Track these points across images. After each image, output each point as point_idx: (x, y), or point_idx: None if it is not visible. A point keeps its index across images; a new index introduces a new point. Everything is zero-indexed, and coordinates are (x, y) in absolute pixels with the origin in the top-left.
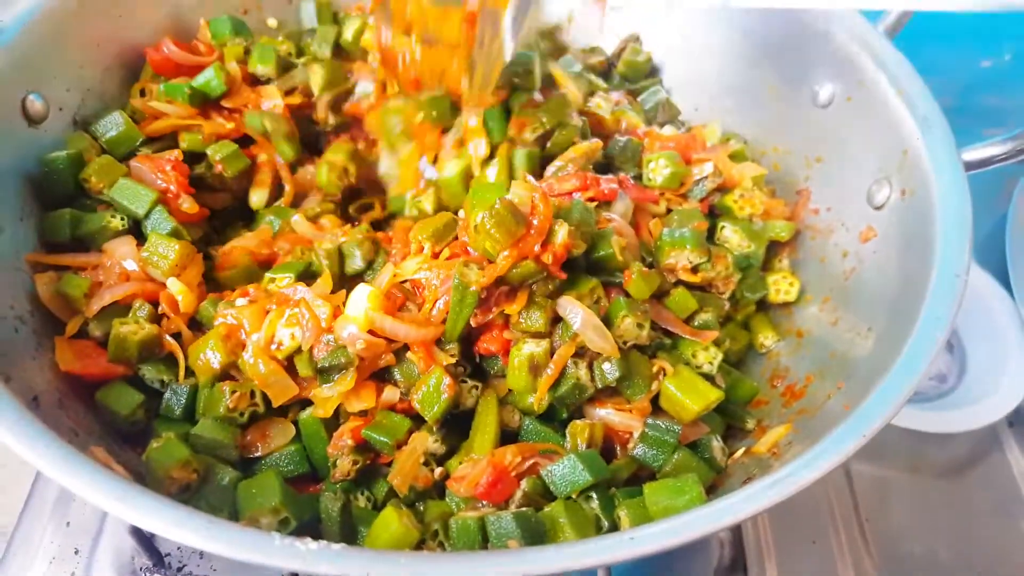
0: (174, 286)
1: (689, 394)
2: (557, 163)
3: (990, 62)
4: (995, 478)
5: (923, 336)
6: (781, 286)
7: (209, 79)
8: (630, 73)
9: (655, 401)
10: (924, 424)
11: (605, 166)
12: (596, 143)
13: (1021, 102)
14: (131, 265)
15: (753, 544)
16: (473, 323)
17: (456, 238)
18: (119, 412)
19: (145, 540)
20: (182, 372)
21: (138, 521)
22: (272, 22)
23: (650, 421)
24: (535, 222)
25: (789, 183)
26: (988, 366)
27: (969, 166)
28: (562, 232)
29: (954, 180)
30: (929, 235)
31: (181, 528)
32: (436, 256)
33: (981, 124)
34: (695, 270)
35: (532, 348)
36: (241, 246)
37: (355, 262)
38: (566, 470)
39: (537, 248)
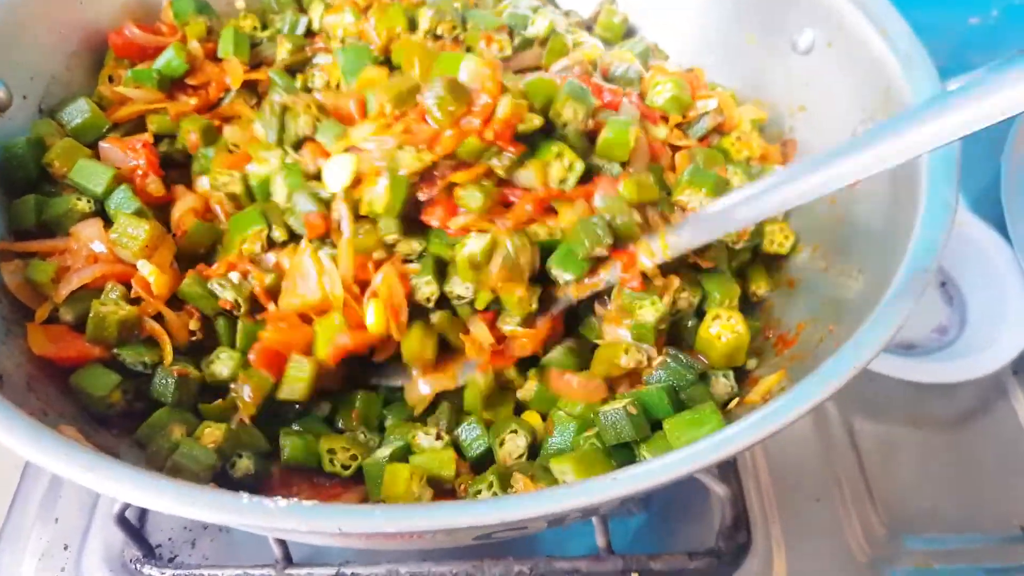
0: (145, 268)
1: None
2: (563, 61)
3: (978, 19)
4: (1001, 428)
5: (912, 267)
6: (776, 237)
7: (169, 59)
8: (607, 35)
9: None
10: (926, 376)
11: None
12: (599, 48)
13: None
14: (99, 247)
15: (756, 504)
16: (421, 197)
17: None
18: (95, 394)
19: (134, 531)
20: (168, 355)
21: (103, 487)
22: (240, 3)
23: (671, 351)
24: (482, 99)
25: (775, 134)
26: (989, 316)
27: None
28: (503, 106)
29: None
30: (915, 174)
31: (147, 492)
32: (396, 120)
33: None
34: None
35: (473, 247)
36: (184, 209)
37: (301, 127)
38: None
39: (479, 124)
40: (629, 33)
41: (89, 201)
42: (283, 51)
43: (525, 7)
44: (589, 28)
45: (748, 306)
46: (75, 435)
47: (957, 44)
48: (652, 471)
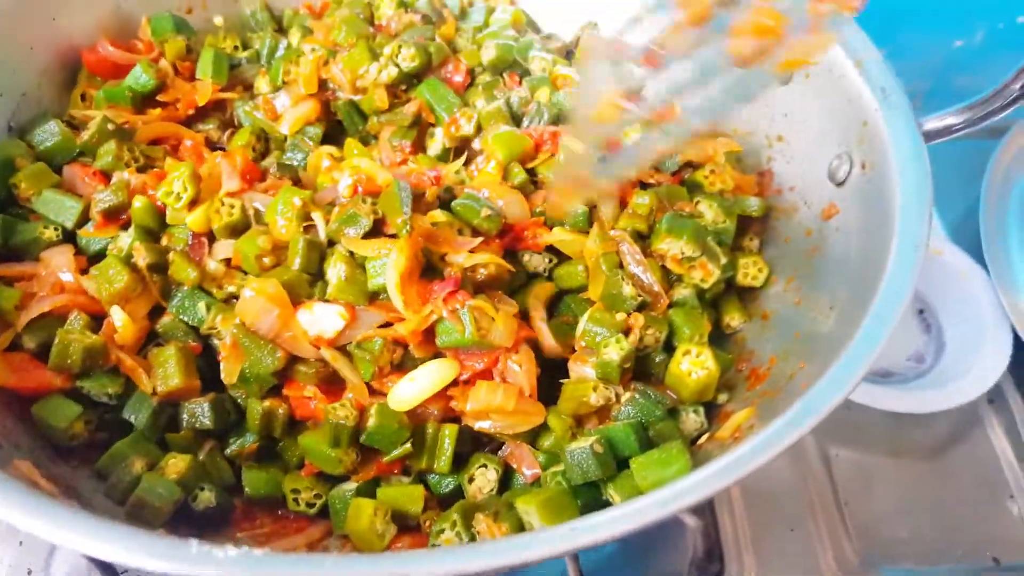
0: (116, 315)
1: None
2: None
3: (962, 42)
4: (977, 457)
5: (882, 309)
6: (750, 271)
7: (137, 76)
8: None
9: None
10: (903, 405)
11: None
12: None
13: (995, 81)
14: (67, 276)
15: (730, 534)
16: None
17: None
18: (57, 425)
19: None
20: (147, 386)
21: (49, 534)
22: (218, 20)
23: (639, 386)
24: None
25: (752, 164)
26: (966, 344)
27: (929, 136)
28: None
29: (913, 150)
30: (889, 207)
31: (92, 539)
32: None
33: (955, 104)
34: (682, 261)
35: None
36: None
37: None
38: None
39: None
40: None
41: (57, 229)
42: (263, 83)
43: (506, 37)
44: (570, 53)
45: (720, 337)
46: (29, 470)
47: (941, 66)
48: (614, 519)
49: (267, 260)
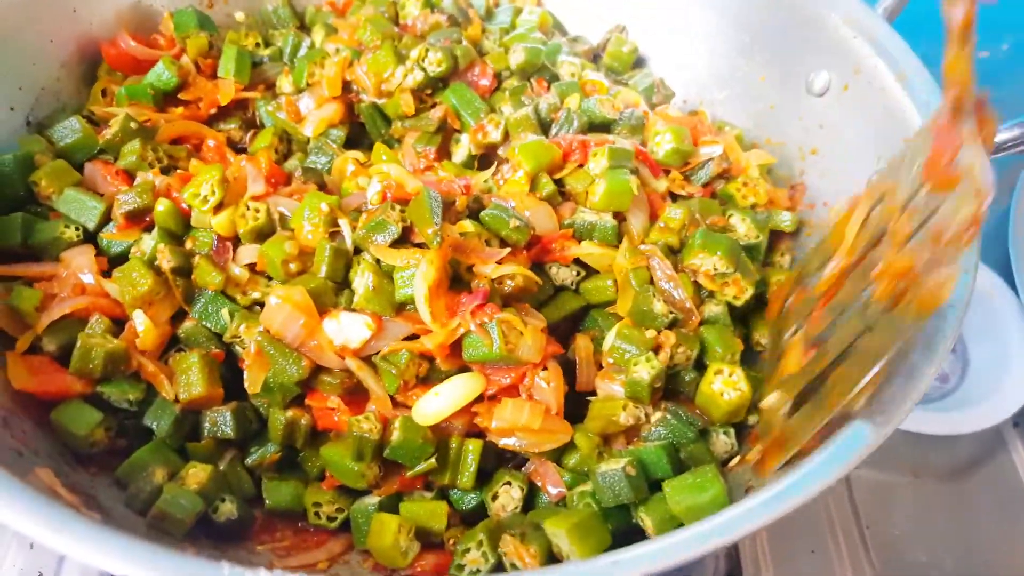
0: (139, 319)
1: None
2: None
3: (988, 53)
4: (1000, 480)
5: (927, 343)
6: None
7: (160, 73)
8: (616, 64)
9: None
10: (926, 426)
11: None
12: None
13: (1020, 93)
14: (88, 278)
15: (749, 555)
16: None
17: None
18: (76, 432)
19: None
20: (169, 392)
21: (75, 552)
22: (240, 16)
23: (670, 406)
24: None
25: (784, 176)
26: (992, 365)
27: None
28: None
29: None
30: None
31: (122, 559)
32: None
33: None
34: (715, 277)
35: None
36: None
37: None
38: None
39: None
40: (638, 63)
41: (78, 229)
42: (286, 83)
43: (534, 40)
44: (597, 56)
45: (750, 354)
46: (50, 480)
47: None
48: (656, 553)
49: (293, 266)
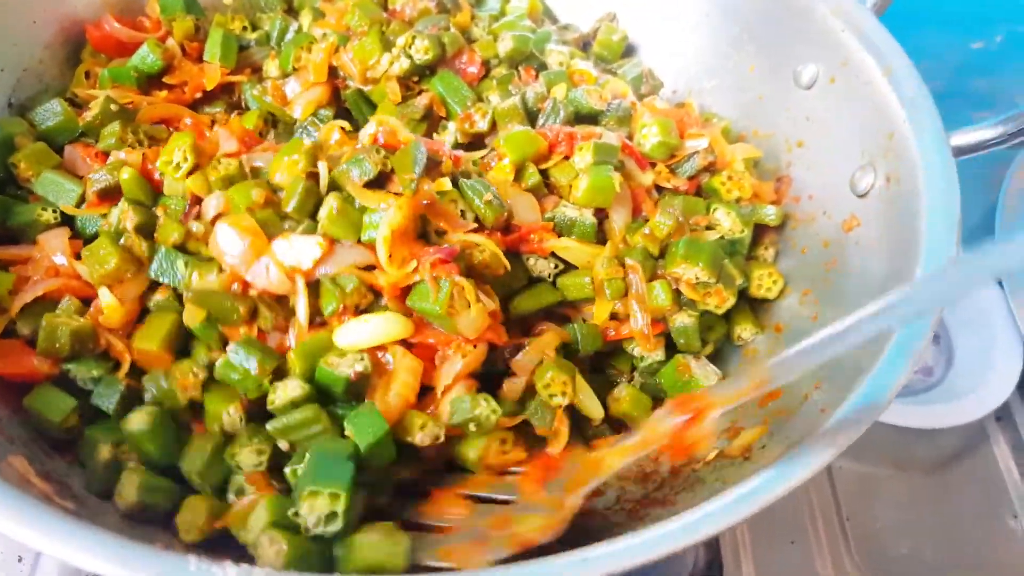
0: (104, 296)
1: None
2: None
3: (981, 44)
4: (982, 474)
5: (906, 336)
6: (764, 282)
7: (144, 56)
8: (605, 53)
9: None
10: (910, 419)
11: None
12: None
13: (1012, 85)
14: (61, 260)
15: (729, 545)
16: None
17: None
18: (51, 419)
19: None
20: (125, 368)
21: (42, 546)
22: (229, 0)
23: None
24: None
25: (770, 169)
26: (975, 358)
27: (958, 151)
28: None
29: (942, 166)
30: (914, 225)
31: (86, 553)
32: None
33: (971, 107)
34: (697, 286)
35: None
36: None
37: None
38: None
39: None
40: (628, 51)
41: (55, 212)
42: (272, 67)
43: (523, 27)
44: (587, 44)
45: (731, 349)
46: (23, 468)
47: (958, 68)
48: (625, 550)
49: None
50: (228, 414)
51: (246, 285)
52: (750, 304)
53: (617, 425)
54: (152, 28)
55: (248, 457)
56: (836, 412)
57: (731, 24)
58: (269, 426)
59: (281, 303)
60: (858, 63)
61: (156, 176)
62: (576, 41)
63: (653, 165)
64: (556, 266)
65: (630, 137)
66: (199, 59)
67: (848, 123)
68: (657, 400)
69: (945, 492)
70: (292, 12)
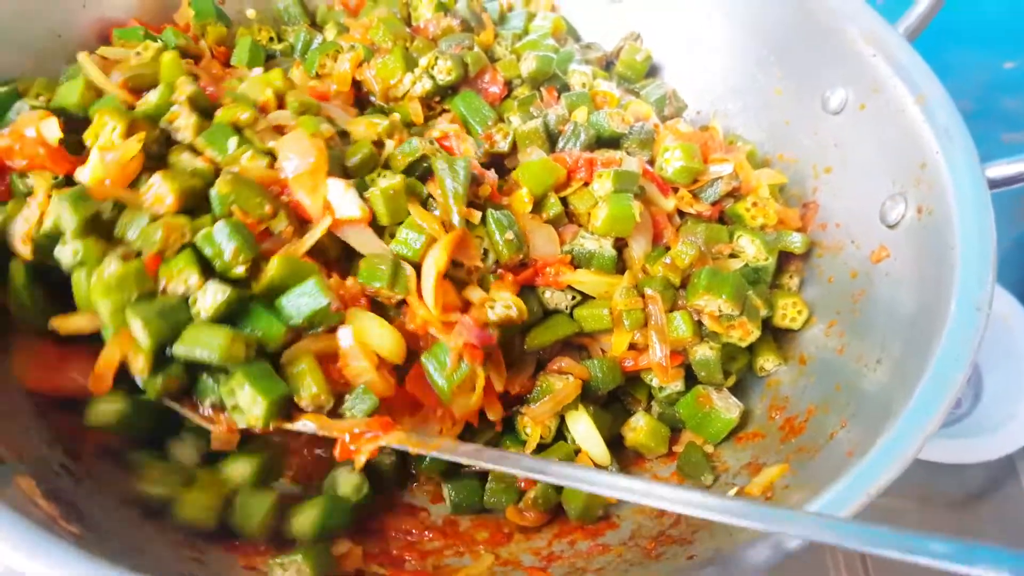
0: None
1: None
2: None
3: (1013, 64)
4: (1009, 511)
5: (938, 378)
6: (789, 312)
7: (168, 39)
8: (629, 73)
9: None
10: (936, 454)
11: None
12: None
13: None
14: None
15: None
16: None
17: None
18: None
19: None
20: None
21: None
22: (251, 12)
23: None
24: None
25: (795, 194)
26: (1005, 391)
27: (993, 184)
28: None
29: (976, 200)
30: (948, 260)
31: None
32: None
33: (1001, 128)
34: (720, 319)
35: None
36: None
37: None
38: None
39: None
40: (651, 72)
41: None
42: (296, 74)
43: (546, 47)
44: (610, 64)
45: (753, 380)
46: (30, 489)
47: (989, 87)
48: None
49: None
50: (186, 282)
51: (282, 189)
52: (773, 334)
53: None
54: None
55: None
56: (864, 457)
57: (758, 46)
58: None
59: (301, 226)
60: (890, 89)
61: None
62: (599, 60)
63: (675, 190)
64: (573, 297)
65: (652, 160)
66: (226, 64)
67: (878, 151)
68: (675, 430)
69: (971, 528)
70: (316, 26)
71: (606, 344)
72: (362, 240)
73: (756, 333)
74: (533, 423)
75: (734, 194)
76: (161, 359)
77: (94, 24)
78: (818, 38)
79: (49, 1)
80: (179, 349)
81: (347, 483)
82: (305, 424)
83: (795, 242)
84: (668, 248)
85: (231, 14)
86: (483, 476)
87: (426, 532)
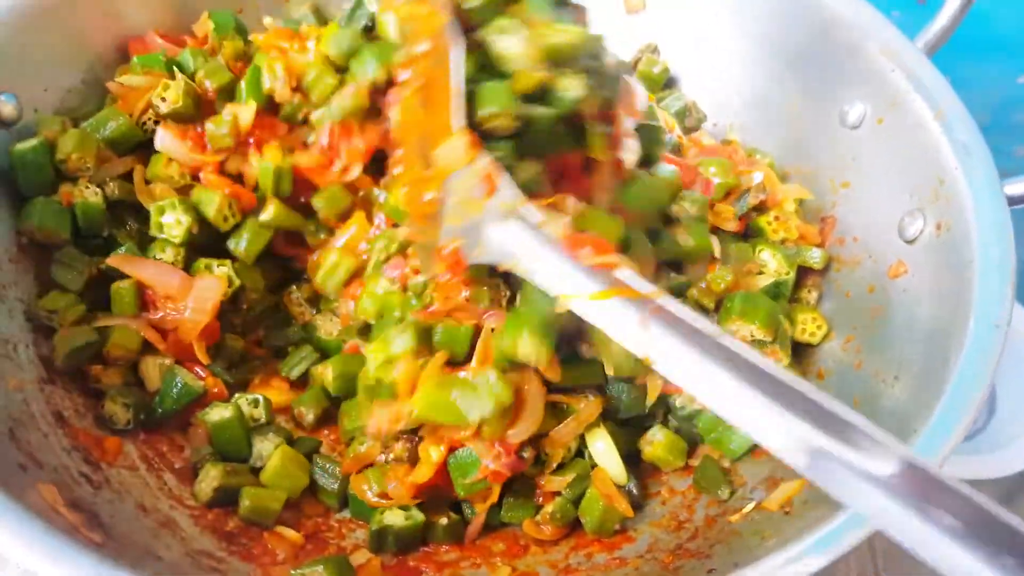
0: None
1: None
2: None
3: None
4: None
5: (956, 397)
6: (808, 327)
7: (184, 59)
8: (646, 84)
9: None
10: (951, 470)
11: None
12: None
13: None
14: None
15: None
16: None
17: None
18: None
19: None
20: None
21: None
22: (268, 21)
23: None
24: None
25: (813, 209)
26: (1020, 407)
27: (1012, 201)
28: None
29: (995, 216)
30: (966, 277)
31: None
32: None
33: (1015, 142)
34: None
35: None
36: None
37: None
38: None
39: None
40: (668, 83)
41: None
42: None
43: None
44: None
45: None
46: (52, 497)
47: (1002, 103)
48: None
49: None
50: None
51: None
52: (792, 348)
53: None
54: (196, 45)
55: None
56: None
57: (775, 59)
58: None
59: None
60: (908, 105)
61: None
62: None
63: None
64: None
65: None
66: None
67: (897, 166)
68: (692, 444)
69: None
70: None
71: None
72: None
73: (786, 361)
74: (553, 446)
75: (759, 207)
76: None
77: (114, 31)
78: (835, 52)
79: (71, 11)
80: None
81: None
82: None
83: (814, 257)
84: None
85: (249, 23)
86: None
87: (443, 544)
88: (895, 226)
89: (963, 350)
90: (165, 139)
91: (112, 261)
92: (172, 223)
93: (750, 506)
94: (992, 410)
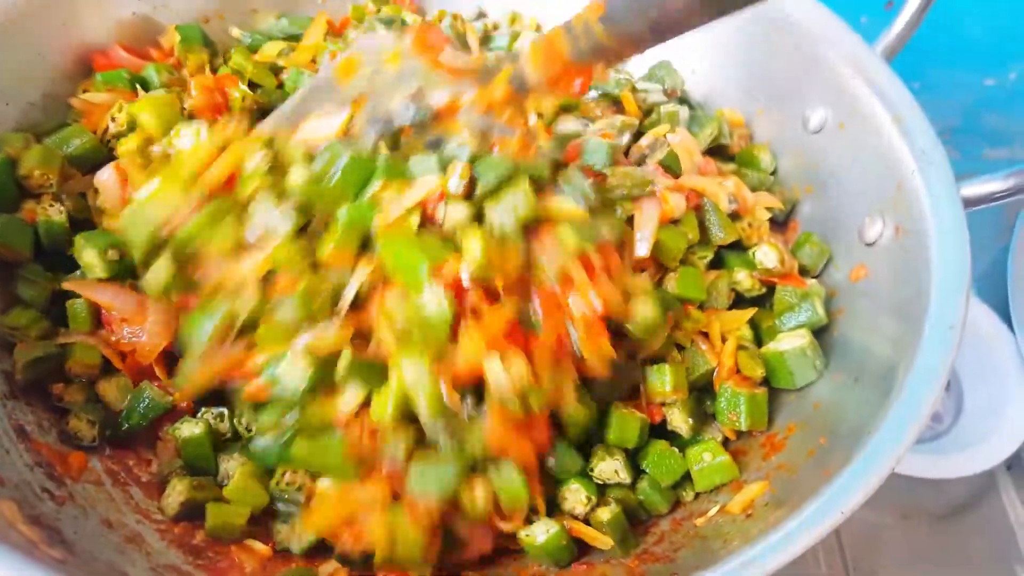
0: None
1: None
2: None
3: (994, 81)
4: (991, 524)
5: (911, 396)
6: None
7: (148, 75)
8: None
9: None
10: (919, 469)
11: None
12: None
13: None
14: None
15: None
16: None
17: None
18: None
19: None
20: None
21: None
22: (236, 32)
23: None
24: None
25: (776, 213)
26: (987, 406)
27: (968, 202)
28: None
29: (952, 219)
30: (923, 279)
31: None
32: None
33: (984, 144)
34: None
35: None
36: None
37: None
38: None
39: None
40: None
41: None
42: None
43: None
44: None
45: None
46: (12, 515)
47: (971, 105)
48: None
49: None
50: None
51: None
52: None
53: None
54: (160, 58)
55: None
56: (839, 475)
57: (739, 67)
58: None
59: None
60: (867, 110)
61: None
62: None
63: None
64: None
65: None
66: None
67: (857, 170)
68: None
69: (953, 542)
70: None
71: None
72: None
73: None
74: None
75: (732, 215)
76: None
77: (75, 46)
78: (797, 59)
79: (31, 25)
80: None
81: None
82: None
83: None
84: None
85: (215, 34)
86: None
87: None
88: (856, 229)
89: (918, 351)
90: (107, 176)
91: (68, 285)
92: (92, 260)
93: (714, 509)
94: (960, 411)
